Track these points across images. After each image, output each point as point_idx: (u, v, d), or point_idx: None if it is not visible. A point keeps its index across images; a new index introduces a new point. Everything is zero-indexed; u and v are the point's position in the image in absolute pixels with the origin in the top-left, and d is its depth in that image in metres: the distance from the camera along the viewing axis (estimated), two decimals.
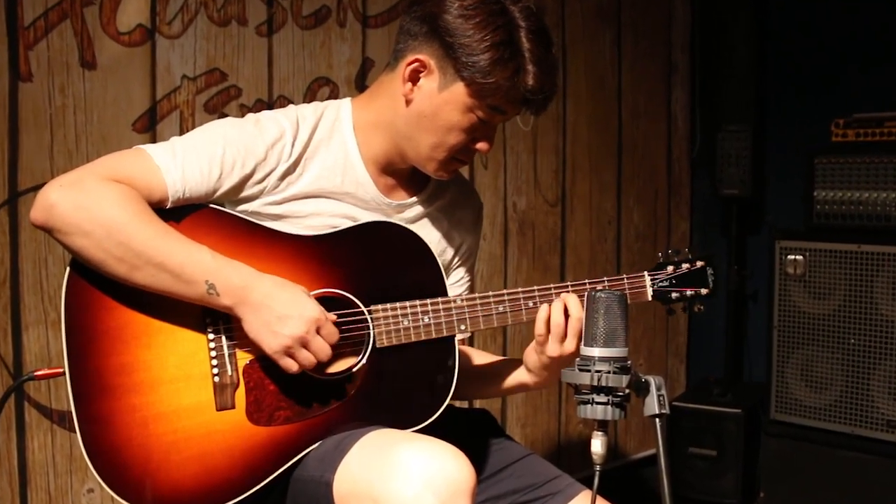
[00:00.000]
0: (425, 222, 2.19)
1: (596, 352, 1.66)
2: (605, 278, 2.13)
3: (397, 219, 2.10)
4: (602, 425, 1.67)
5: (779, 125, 4.36)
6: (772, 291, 3.88)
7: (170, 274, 1.80)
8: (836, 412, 3.74)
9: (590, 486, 1.74)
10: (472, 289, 2.35)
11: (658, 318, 4.53)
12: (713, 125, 4.25)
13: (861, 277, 3.65)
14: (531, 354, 2.08)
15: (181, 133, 2.18)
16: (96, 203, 1.76)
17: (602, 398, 1.65)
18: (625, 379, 1.64)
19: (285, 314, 1.83)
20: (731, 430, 4.00)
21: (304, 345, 1.85)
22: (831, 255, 3.72)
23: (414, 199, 2.16)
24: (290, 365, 1.85)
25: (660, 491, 1.69)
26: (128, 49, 2.67)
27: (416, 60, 1.98)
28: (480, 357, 2.33)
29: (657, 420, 1.71)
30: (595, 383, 1.64)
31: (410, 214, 2.16)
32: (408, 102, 2.02)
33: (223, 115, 2.77)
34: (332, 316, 1.91)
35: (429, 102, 1.99)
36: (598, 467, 1.67)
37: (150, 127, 2.73)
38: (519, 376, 2.15)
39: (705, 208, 4.68)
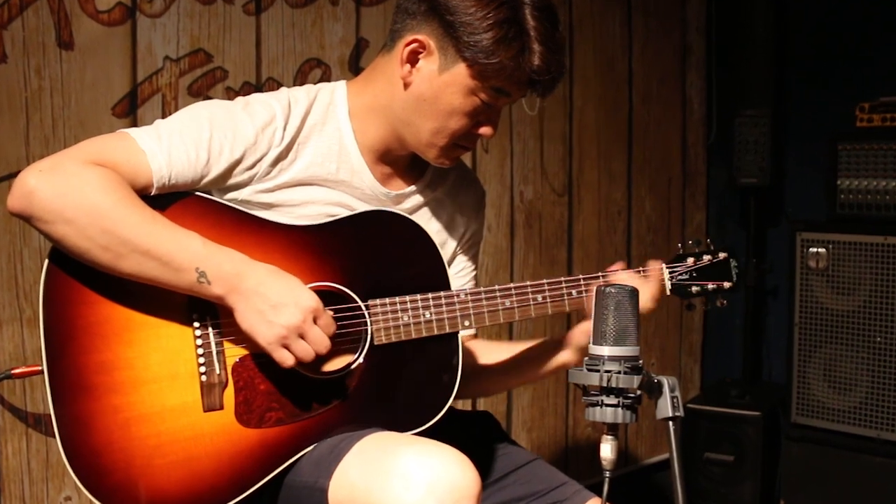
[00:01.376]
0: (425, 211, 2.20)
1: (605, 351, 1.66)
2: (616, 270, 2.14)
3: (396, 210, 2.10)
4: (612, 429, 1.67)
5: (800, 110, 4.35)
6: (792, 286, 3.87)
7: (158, 262, 1.79)
8: (861, 415, 3.73)
9: (599, 494, 1.74)
10: (476, 280, 2.35)
11: (671, 315, 4.54)
12: (730, 110, 4.26)
13: (888, 271, 3.64)
14: (580, 336, 2.10)
15: (163, 118, 2.18)
16: (78, 188, 1.75)
17: (612, 400, 1.65)
18: (636, 380, 1.64)
19: (280, 302, 1.83)
20: (750, 434, 4.00)
21: (301, 335, 1.84)
22: (856, 248, 3.71)
23: (412, 187, 2.16)
24: (286, 357, 1.84)
25: (673, 498, 1.69)
26: (107, 28, 2.67)
27: (415, 41, 1.98)
28: (496, 346, 2.34)
29: (670, 423, 1.71)
30: (604, 384, 1.64)
31: (409, 205, 2.16)
32: (406, 86, 2.02)
33: (208, 99, 2.78)
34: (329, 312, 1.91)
35: (428, 85, 2.00)
36: (607, 473, 1.67)
37: (130, 111, 2.72)
38: (559, 358, 2.18)
39: (721, 198, 4.68)
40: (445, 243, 2.24)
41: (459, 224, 2.27)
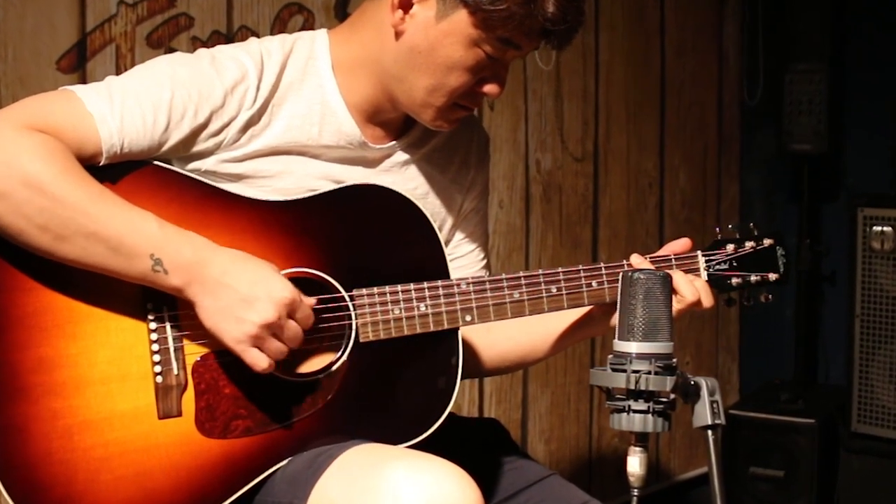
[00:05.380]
0: (413, 170, 2.19)
1: (633, 347, 1.65)
2: (647, 257, 2.13)
3: (382, 168, 2.11)
4: (641, 439, 1.67)
5: (861, 63, 4.35)
6: (853, 272, 3.87)
7: (105, 246, 1.78)
8: None
9: None
10: (486, 251, 2.35)
11: None
12: (779, 64, 4.25)
13: None
14: None
15: (117, 74, 2.17)
16: (14, 157, 1.74)
17: (641, 405, 1.64)
18: (669, 381, 1.63)
19: (251, 295, 1.81)
20: (802, 445, 4.00)
21: (276, 333, 1.83)
22: None
23: (394, 143, 2.15)
24: (260, 360, 1.82)
25: None
26: None
27: None
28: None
29: (709, 433, 1.71)
30: (632, 387, 1.63)
31: (393, 162, 2.16)
32: (398, 35, 2.00)
33: (170, 51, 2.77)
34: (311, 300, 1.90)
35: (424, 35, 1.97)
36: (635, 491, 1.66)
37: (78, 65, 2.70)
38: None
39: (769, 168, 4.68)
40: (447, 203, 2.24)
41: (462, 177, 2.27)
